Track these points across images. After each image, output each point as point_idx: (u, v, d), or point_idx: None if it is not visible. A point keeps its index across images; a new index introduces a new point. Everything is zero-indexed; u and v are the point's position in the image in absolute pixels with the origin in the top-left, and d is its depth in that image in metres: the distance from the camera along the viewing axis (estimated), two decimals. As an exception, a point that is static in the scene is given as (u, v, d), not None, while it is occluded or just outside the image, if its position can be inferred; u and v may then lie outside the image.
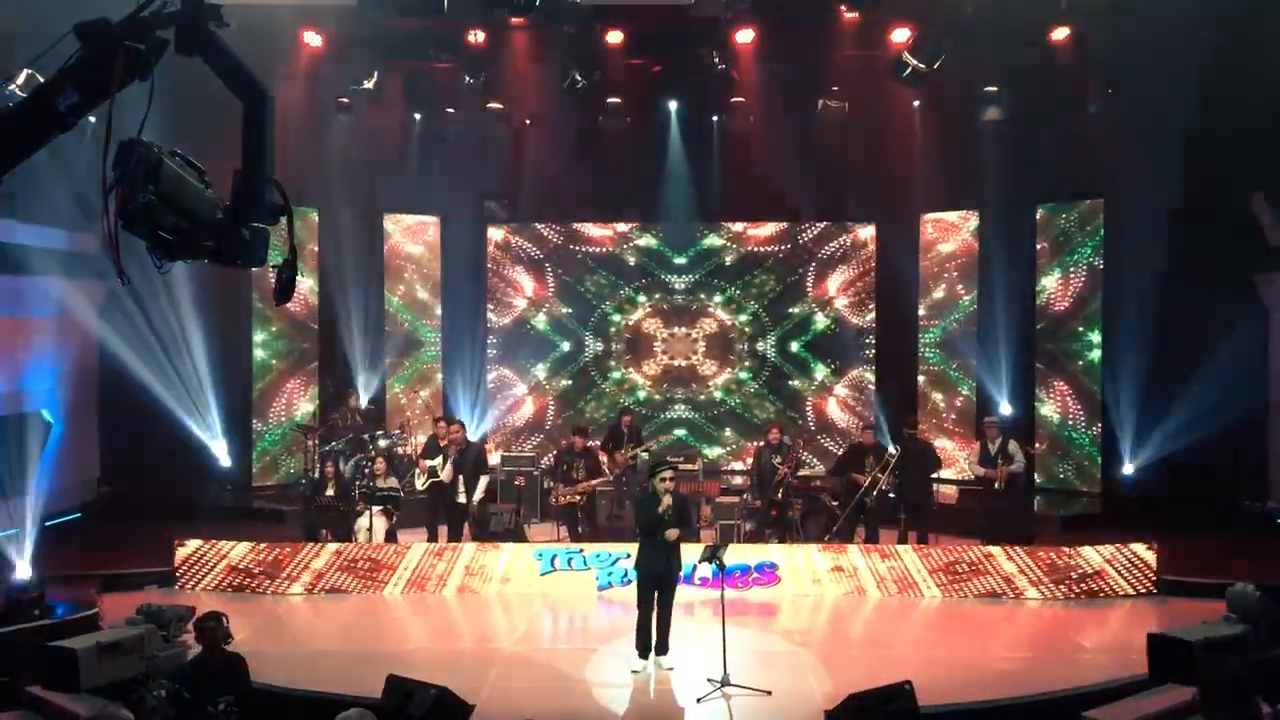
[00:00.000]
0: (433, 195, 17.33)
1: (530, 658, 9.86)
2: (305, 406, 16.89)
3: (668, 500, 9.26)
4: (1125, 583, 11.53)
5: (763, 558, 11.94)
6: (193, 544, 11.89)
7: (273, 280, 3.64)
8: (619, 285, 18.26)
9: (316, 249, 16.75)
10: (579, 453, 13.78)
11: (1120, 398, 15.28)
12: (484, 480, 13.36)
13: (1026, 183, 16.22)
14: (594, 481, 13.64)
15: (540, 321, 18.28)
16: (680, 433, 17.94)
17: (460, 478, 13.10)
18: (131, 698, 4.52)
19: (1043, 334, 16.60)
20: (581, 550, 12.08)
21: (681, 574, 9.60)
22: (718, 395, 18.24)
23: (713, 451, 17.80)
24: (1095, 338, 15.94)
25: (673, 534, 9.23)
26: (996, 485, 12.83)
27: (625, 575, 11.52)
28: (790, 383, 18.11)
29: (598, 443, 14.81)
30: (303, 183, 14.92)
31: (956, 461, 16.31)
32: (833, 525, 13.16)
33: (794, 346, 18.08)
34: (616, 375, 18.32)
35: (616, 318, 18.30)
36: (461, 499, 13.13)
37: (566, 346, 18.27)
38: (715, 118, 16.76)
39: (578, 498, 13.56)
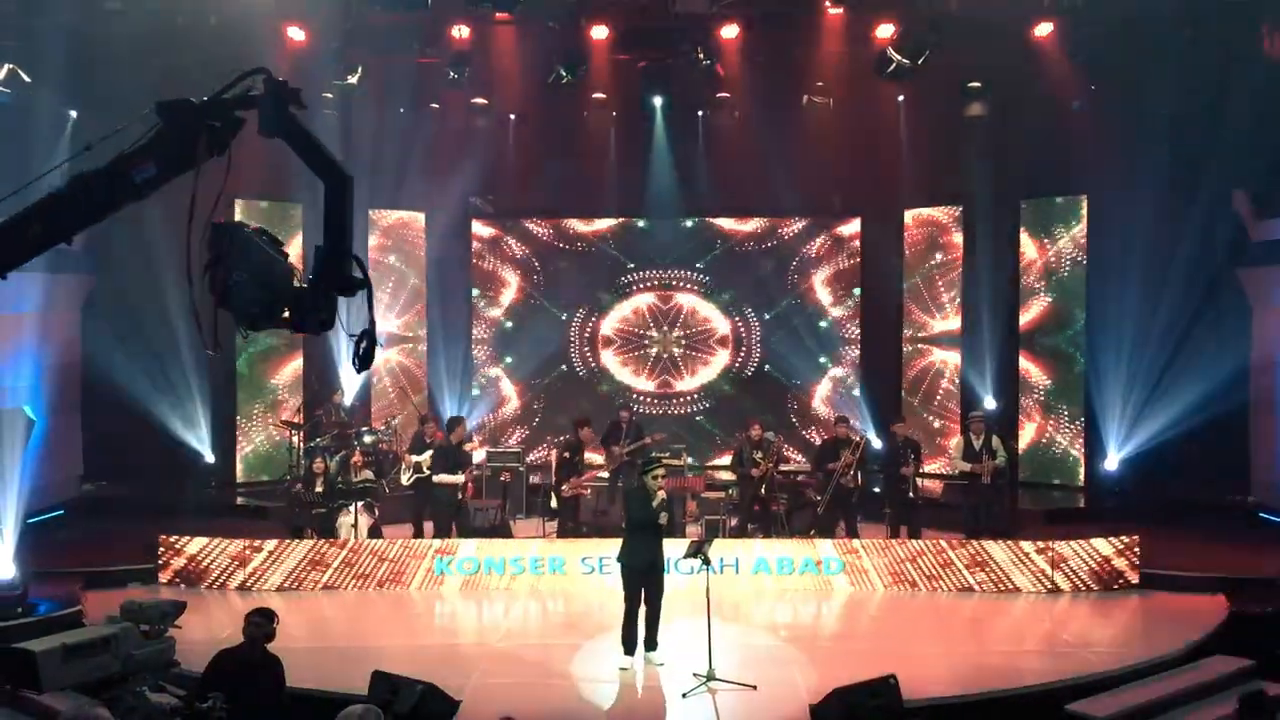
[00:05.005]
0: (417, 191, 17.26)
1: (516, 653, 9.86)
2: (290, 403, 16.82)
3: (662, 496, 9.29)
4: (1108, 576, 11.59)
5: (748, 553, 11.95)
6: (176, 540, 11.86)
7: (351, 348, 3.72)
8: (604, 280, 18.24)
9: (301, 244, 16.66)
10: (587, 442, 13.78)
11: (1103, 392, 15.36)
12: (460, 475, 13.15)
13: (1010, 178, 16.26)
14: (598, 470, 13.66)
15: (525, 317, 18.25)
16: (665, 428, 17.89)
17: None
18: (108, 696, 4.47)
19: (1025, 329, 16.65)
20: (567, 546, 12.08)
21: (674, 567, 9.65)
22: (702, 390, 18.26)
23: (697, 447, 17.79)
24: (1078, 332, 16.00)
25: (663, 519, 9.33)
26: (984, 480, 12.88)
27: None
28: (775, 378, 18.11)
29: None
30: (286, 178, 14.83)
31: (946, 452, 16.30)
32: (816, 520, 13.18)
33: (779, 341, 18.08)
34: (601, 370, 18.31)
35: (601, 313, 18.29)
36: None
37: (551, 342, 18.22)
38: (700, 113, 16.77)
39: (585, 492, 13.56)
